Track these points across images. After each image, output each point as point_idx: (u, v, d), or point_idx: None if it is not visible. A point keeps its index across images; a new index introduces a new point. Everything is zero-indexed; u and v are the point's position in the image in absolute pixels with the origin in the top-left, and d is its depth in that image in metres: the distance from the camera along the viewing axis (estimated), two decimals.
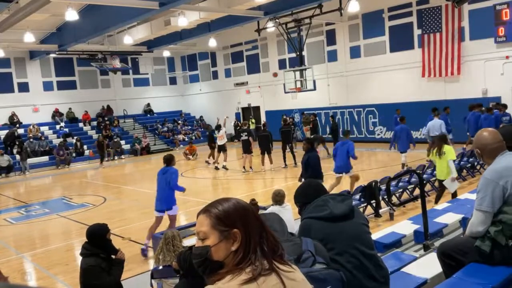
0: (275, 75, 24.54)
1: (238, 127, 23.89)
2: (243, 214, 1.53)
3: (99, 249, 4.33)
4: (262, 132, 16.25)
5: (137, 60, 28.06)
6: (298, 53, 19.76)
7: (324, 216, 2.95)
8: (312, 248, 2.44)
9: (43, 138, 23.39)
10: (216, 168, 16.80)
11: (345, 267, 2.86)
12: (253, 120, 25.81)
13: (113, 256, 4.51)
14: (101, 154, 21.87)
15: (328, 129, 20.74)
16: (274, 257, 1.51)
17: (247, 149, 15.60)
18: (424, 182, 8.37)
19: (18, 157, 21.34)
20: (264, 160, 15.65)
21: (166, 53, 28.26)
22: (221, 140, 16.84)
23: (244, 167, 15.71)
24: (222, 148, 16.79)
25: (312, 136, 17.43)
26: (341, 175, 10.26)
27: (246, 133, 15.80)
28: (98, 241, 4.33)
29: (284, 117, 19.46)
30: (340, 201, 3.01)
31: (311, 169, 8.65)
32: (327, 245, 2.87)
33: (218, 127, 17.27)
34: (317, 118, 21.05)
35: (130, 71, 27.87)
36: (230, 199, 1.59)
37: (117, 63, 23.84)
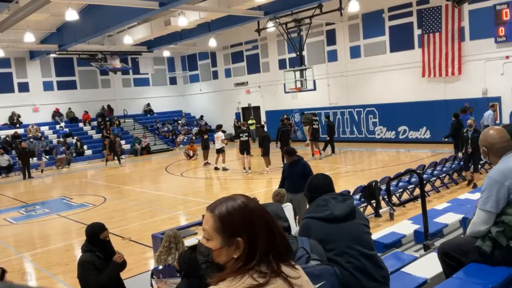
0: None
1: (238, 128, 23.85)
2: (249, 221, 1.42)
3: (96, 248, 4.36)
4: (264, 133, 16.05)
5: (137, 60, 28.05)
6: (298, 53, 19.72)
7: (324, 217, 2.95)
8: (308, 246, 2.45)
9: (43, 138, 23.39)
10: (216, 169, 16.79)
11: (345, 267, 2.85)
12: (254, 121, 25.77)
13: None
14: (114, 153, 21.11)
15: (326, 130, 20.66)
16: (282, 261, 1.44)
17: (246, 150, 15.56)
18: (424, 182, 8.36)
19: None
20: (267, 162, 15.42)
21: (166, 53, 28.23)
22: (217, 142, 16.81)
23: (244, 167, 15.68)
24: (219, 150, 16.72)
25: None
26: None
27: (246, 134, 15.78)
28: (93, 240, 4.37)
29: (285, 116, 19.44)
30: (341, 201, 3.01)
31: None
32: (326, 245, 2.87)
33: (219, 127, 17.28)
34: (317, 118, 21.00)
35: (130, 71, 27.86)
36: (238, 199, 1.47)
37: (117, 63, 23.81)
